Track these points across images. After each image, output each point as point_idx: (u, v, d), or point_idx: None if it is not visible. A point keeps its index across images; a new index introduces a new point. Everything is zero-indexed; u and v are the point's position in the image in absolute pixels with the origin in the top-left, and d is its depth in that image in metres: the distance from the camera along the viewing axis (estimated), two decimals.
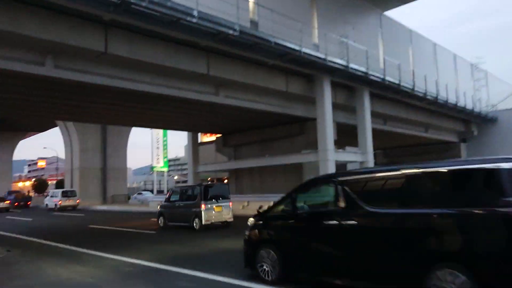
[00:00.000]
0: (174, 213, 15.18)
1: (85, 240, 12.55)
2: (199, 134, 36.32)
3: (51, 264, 8.47)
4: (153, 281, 6.73)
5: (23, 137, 60.54)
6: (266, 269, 6.12)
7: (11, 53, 11.82)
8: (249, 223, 6.86)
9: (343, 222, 5.28)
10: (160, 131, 40.90)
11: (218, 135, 30.55)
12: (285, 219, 6.27)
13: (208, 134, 42.57)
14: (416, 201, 4.79)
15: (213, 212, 13.97)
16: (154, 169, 42.92)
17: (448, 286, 4.15)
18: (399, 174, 5.14)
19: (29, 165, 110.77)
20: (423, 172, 4.87)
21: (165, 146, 41.54)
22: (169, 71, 15.04)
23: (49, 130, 56.57)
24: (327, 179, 6.28)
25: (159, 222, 15.69)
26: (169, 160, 49.38)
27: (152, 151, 42.36)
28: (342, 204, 5.41)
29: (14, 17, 10.94)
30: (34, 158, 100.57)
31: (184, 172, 73.21)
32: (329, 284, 5.37)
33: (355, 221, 5.18)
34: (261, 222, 6.61)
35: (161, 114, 21.19)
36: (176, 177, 77.54)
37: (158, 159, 42.08)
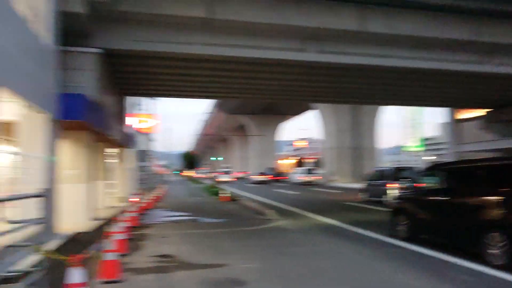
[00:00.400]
0: (372, 190, 18.51)
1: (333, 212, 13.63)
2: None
3: (318, 235, 9.38)
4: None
5: (283, 120, 69.01)
6: (401, 230, 8.58)
7: (279, 44, 13.10)
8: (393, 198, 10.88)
9: (442, 198, 7.48)
10: (411, 109, 39.08)
11: (484, 110, 26.64)
12: (412, 195, 8.90)
13: (466, 110, 38.06)
14: (483, 183, 6.77)
15: (398, 191, 15.40)
16: (406, 148, 41.49)
17: (494, 244, 6.14)
18: (477, 165, 7.24)
19: (291, 145, 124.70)
20: (489, 164, 7.02)
21: (418, 125, 39.42)
22: (426, 42, 13.88)
23: (302, 114, 62.24)
24: (436, 167, 8.61)
25: (361, 196, 19.24)
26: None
27: (403, 130, 40.97)
28: (443, 185, 7.68)
29: (281, 12, 12.07)
30: (291, 139, 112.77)
31: (439, 152, 68.03)
32: (434, 241, 7.70)
33: (448, 197, 7.35)
34: (400, 197, 9.69)
35: (414, 90, 19.91)
36: (433, 158, 72.60)
37: (409, 138, 40.44)
